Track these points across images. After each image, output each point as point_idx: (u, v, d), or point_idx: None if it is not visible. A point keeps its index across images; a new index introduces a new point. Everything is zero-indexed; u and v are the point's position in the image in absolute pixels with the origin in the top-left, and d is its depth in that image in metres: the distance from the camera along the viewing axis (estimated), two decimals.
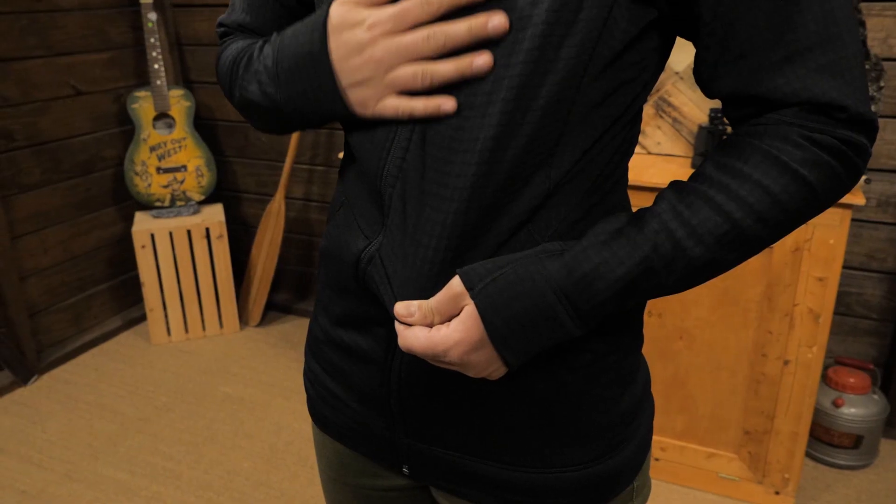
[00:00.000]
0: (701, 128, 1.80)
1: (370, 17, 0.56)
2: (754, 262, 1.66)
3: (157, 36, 2.52)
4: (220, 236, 2.65)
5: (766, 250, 1.64)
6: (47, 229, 2.53)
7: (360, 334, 0.68)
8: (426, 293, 0.59)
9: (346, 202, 0.68)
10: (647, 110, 1.93)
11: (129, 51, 2.73)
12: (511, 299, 0.55)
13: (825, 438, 1.98)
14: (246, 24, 0.74)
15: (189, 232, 2.62)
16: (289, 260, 2.95)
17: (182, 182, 2.67)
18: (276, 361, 2.58)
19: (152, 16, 2.51)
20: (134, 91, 2.58)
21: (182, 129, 2.64)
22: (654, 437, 1.92)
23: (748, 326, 1.71)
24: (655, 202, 0.57)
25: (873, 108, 1.57)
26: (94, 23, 2.58)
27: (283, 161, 2.79)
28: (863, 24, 1.54)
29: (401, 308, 0.58)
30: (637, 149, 1.98)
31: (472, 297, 0.56)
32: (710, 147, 1.76)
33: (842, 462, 1.99)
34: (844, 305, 2.09)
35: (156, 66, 2.54)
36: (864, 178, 1.62)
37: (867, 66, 1.57)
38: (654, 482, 1.94)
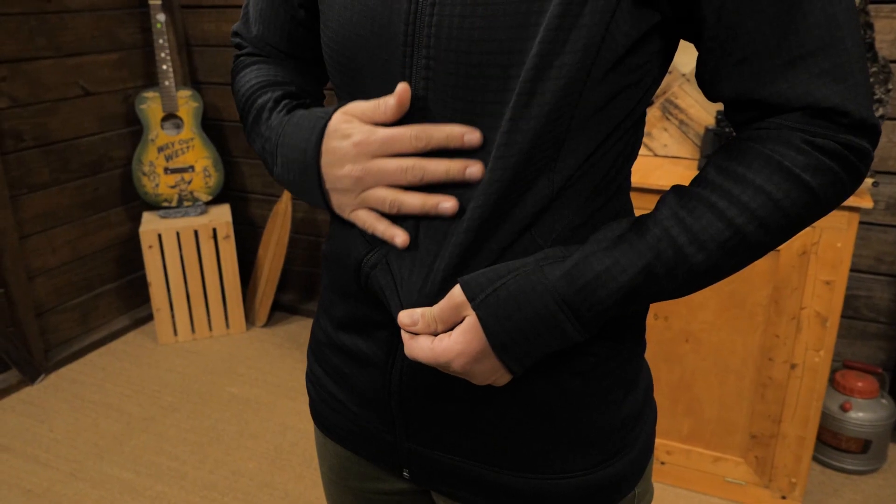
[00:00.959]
0: (707, 130, 1.79)
1: (359, 135, 0.59)
2: (761, 266, 1.65)
3: (165, 37, 2.53)
4: (227, 237, 2.66)
5: (773, 253, 1.63)
6: (55, 229, 2.54)
7: (361, 338, 0.68)
8: (432, 300, 0.59)
9: None
10: (654, 112, 1.92)
11: (137, 52, 2.75)
12: (513, 309, 0.55)
13: (832, 443, 1.97)
14: (259, 34, 0.76)
15: (196, 232, 2.62)
16: (295, 260, 2.96)
17: (189, 182, 2.68)
18: (282, 362, 2.59)
19: (161, 17, 2.52)
20: (142, 92, 2.59)
21: (190, 129, 2.65)
22: (660, 441, 1.91)
23: (755, 330, 1.70)
24: (657, 207, 0.57)
25: (881, 110, 1.56)
26: (102, 24, 2.59)
27: None
28: (871, 25, 1.53)
29: (405, 317, 0.59)
30: (643, 151, 1.97)
31: (474, 308, 0.56)
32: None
33: (849, 467, 1.98)
34: (852, 309, 2.08)
35: (164, 67, 2.55)
36: (872, 181, 1.61)
37: (875, 69, 1.55)
38: (660, 486, 1.94)
